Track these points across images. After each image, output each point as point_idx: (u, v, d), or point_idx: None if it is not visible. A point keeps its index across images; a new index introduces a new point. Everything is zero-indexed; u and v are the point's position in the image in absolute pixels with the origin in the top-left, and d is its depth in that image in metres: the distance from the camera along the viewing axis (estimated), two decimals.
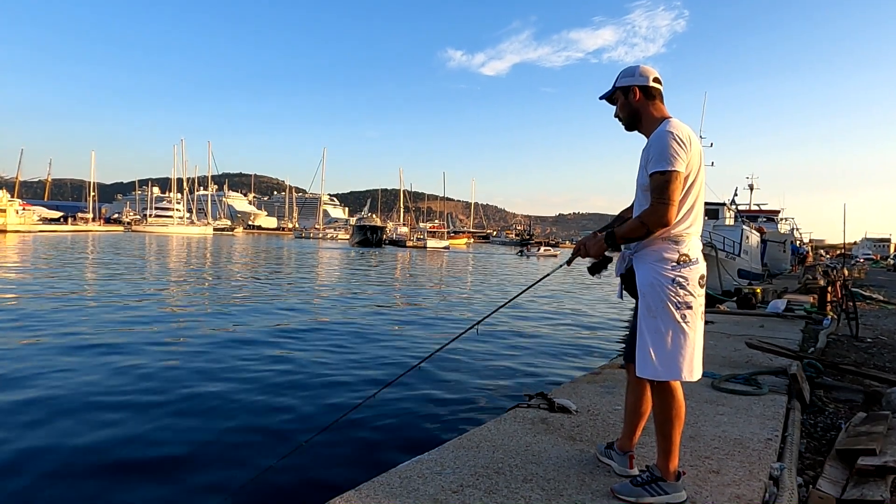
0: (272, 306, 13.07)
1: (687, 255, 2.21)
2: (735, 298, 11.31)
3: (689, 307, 2.18)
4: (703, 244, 15.97)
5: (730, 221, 21.86)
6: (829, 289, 10.25)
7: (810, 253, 44.90)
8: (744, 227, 21.17)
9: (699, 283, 2.21)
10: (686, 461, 2.78)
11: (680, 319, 2.18)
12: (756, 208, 39.09)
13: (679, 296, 2.18)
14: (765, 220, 34.94)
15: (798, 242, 42.25)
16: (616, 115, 2.44)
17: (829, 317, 8.89)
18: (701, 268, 2.24)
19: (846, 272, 16.84)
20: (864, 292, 13.07)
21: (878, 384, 4.57)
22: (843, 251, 36.19)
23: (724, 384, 4.37)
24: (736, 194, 35.26)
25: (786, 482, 2.56)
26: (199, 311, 11.94)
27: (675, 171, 2.11)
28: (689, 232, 2.24)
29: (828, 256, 54.31)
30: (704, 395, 4.10)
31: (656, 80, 2.36)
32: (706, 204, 22.83)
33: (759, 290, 11.41)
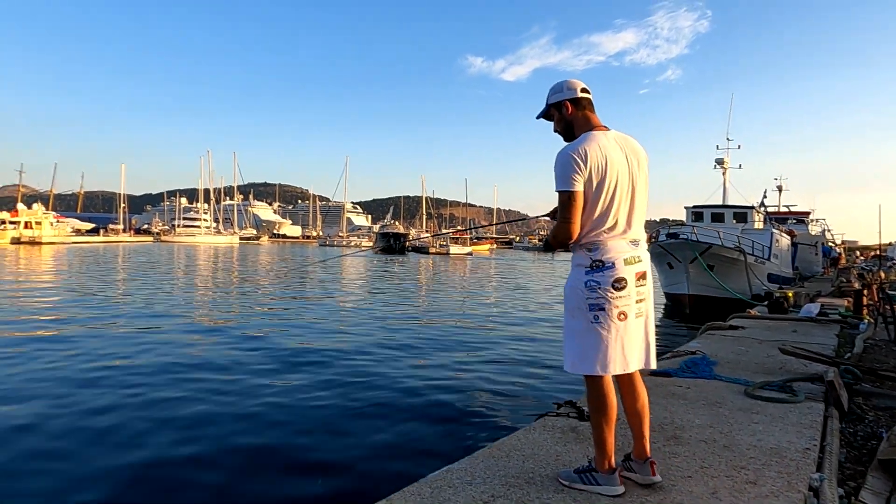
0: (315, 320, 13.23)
1: (600, 261, 2.34)
2: (766, 303, 11.07)
3: (601, 308, 2.32)
4: (732, 248, 15.84)
5: (759, 225, 21.40)
6: (865, 292, 9.95)
7: (843, 255, 43.66)
8: (773, 230, 20.72)
9: (613, 286, 2.32)
10: (721, 471, 2.73)
11: (592, 320, 2.34)
12: (786, 210, 38.24)
13: (591, 298, 2.33)
14: (795, 222, 34.09)
15: (830, 244, 41.15)
16: (555, 130, 2.60)
17: (866, 321, 8.63)
18: (618, 272, 2.33)
19: (882, 275, 16.34)
20: None
21: None
22: (878, 253, 35.13)
23: (757, 391, 4.26)
24: (765, 196, 34.61)
25: (826, 493, 2.48)
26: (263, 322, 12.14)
27: (570, 191, 2.31)
28: (603, 238, 2.36)
29: (862, 258, 52.79)
30: (738, 402, 4.02)
31: (584, 90, 2.50)
32: (734, 207, 22.41)
33: (790, 294, 11.14)
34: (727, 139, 27.96)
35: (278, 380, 7.19)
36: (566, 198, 2.32)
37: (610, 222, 2.36)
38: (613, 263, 2.34)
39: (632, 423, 2.54)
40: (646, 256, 2.46)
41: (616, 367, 2.36)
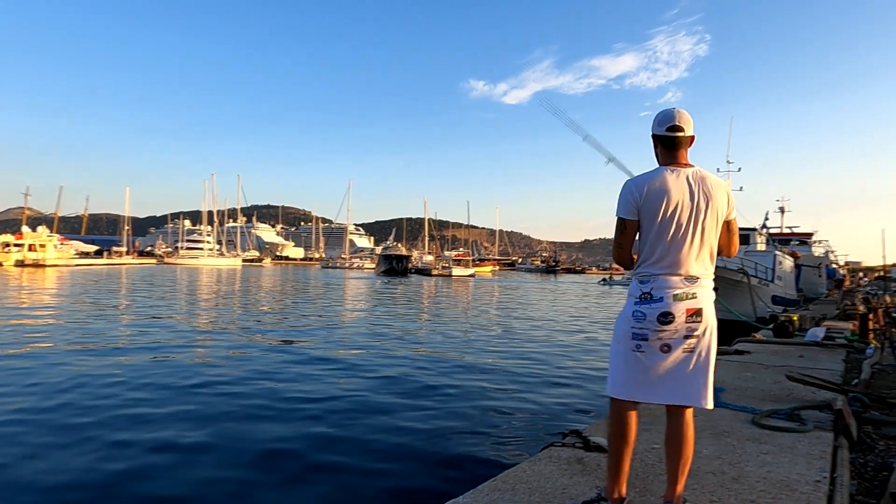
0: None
1: (649, 294, 2.39)
2: (771, 326, 10.99)
3: (645, 338, 2.38)
4: (735, 270, 15.80)
5: (761, 246, 21.39)
6: (871, 316, 9.88)
7: (847, 276, 43.43)
8: (776, 251, 20.69)
9: (659, 319, 2.36)
10: None
11: (633, 348, 2.41)
12: (788, 231, 38.20)
13: (636, 328, 2.40)
14: (798, 243, 34.08)
15: (834, 266, 40.97)
16: None
17: (872, 345, 8.56)
18: (665, 306, 2.36)
19: (888, 299, 16.25)
20: None
21: None
22: (882, 274, 34.99)
23: (765, 420, 4.22)
24: (767, 218, 34.63)
25: None
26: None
27: (620, 217, 2.46)
28: (653, 272, 2.41)
29: (866, 280, 52.53)
30: (745, 432, 3.97)
31: (671, 128, 2.46)
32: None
33: (795, 318, 11.05)
34: (727, 162, 28.08)
35: (262, 406, 7.12)
36: (617, 223, 2.49)
37: (662, 256, 2.39)
38: (662, 298, 2.37)
39: (666, 460, 2.52)
40: (703, 294, 2.42)
41: (649, 398, 2.40)
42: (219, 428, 6.14)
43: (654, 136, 2.52)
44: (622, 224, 2.46)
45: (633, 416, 2.45)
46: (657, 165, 2.55)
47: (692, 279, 2.40)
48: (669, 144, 2.48)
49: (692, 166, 2.47)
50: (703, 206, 2.39)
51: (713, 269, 2.49)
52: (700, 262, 2.42)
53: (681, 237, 2.38)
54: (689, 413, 2.46)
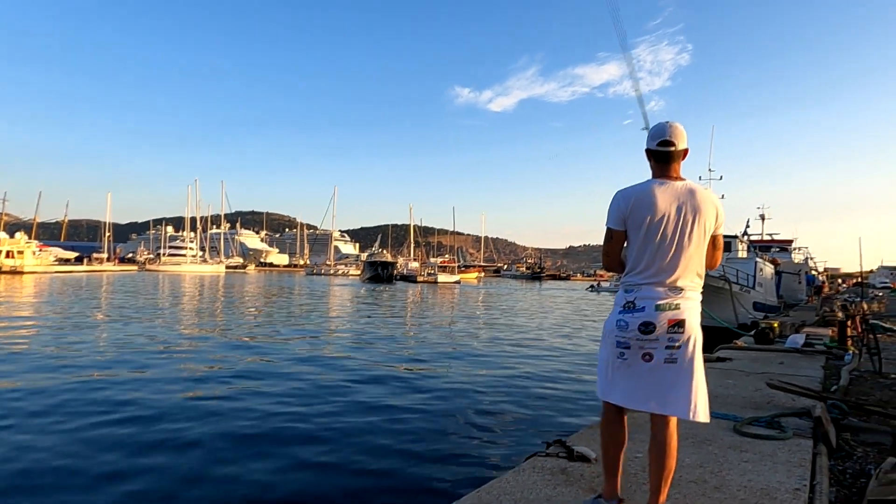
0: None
1: (632, 303, 2.44)
2: (752, 333, 11.13)
3: (627, 347, 2.43)
4: (717, 277, 15.98)
5: (743, 254, 21.66)
6: (849, 322, 10.05)
7: (826, 283, 44.21)
8: (757, 258, 20.97)
9: (640, 328, 2.40)
10: None
11: (617, 356, 2.47)
12: (769, 238, 38.75)
13: (619, 336, 2.45)
14: (778, 250, 34.57)
15: (813, 272, 41.64)
16: None
17: (851, 352, 8.70)
18: (647, 316, 2.39)
19: (865, 306, 16.52)
20: (884, 324, 12.78)
21: None
22: (859, 281, 35.62)
23: (746, 428, 4.26)
24: (748, 226, 35.10)
25: None
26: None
27: (607, 227, 2.54)
28: (638, 282, 2.45)
29: (844, 286, 53.48)
30: (727, 440, 4.00)
31: (665, 142, 2.50)
32: None
33: (776, 325, 11.20)
34: (709, 170, 28.47)
35: (245, 408, 7.05)
36: (606, 232, 2.56)
37: (647, 267, 2.43)
38: (644, 307, 2.40)
39: (649, 469, 2.53)
40: (688, 306, 2.43)
41: (631, 404, 2.47)
42: (207, 427, 6.09)
43: (647, 151, 2.56)
44: (609, 234, 2.53)
45: (618, 419, 2.55)
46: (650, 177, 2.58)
47: (677, 290, 2.42)
48: (661, 159, 2.52)
49: (683, 180, 2.51)
50: (689, 219, 2.43)
51: (701, 282, 2.50)
52: (686, 274, 2.44)
53: (666, 248, 2.41)
54: (673, 423, 2.47)
